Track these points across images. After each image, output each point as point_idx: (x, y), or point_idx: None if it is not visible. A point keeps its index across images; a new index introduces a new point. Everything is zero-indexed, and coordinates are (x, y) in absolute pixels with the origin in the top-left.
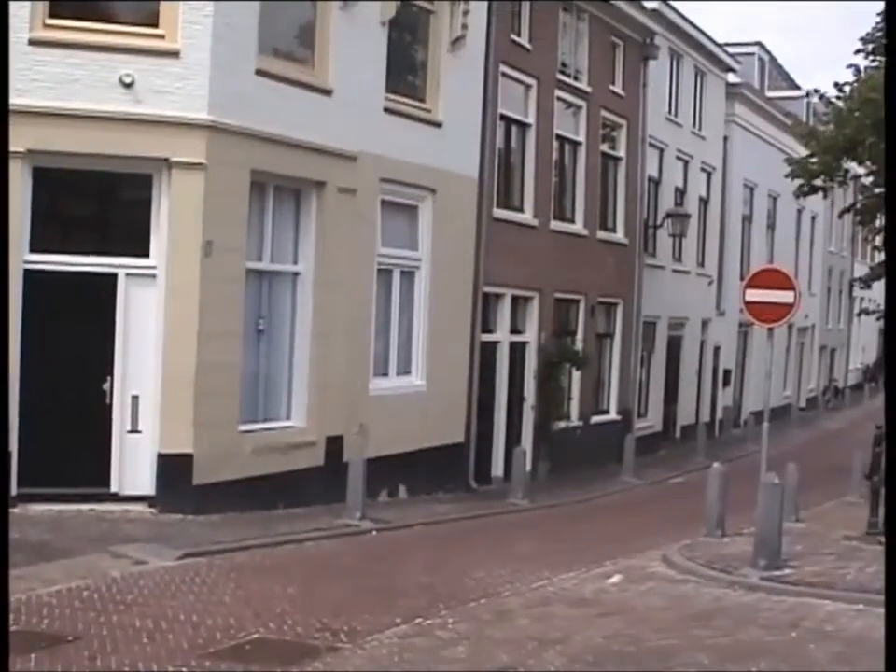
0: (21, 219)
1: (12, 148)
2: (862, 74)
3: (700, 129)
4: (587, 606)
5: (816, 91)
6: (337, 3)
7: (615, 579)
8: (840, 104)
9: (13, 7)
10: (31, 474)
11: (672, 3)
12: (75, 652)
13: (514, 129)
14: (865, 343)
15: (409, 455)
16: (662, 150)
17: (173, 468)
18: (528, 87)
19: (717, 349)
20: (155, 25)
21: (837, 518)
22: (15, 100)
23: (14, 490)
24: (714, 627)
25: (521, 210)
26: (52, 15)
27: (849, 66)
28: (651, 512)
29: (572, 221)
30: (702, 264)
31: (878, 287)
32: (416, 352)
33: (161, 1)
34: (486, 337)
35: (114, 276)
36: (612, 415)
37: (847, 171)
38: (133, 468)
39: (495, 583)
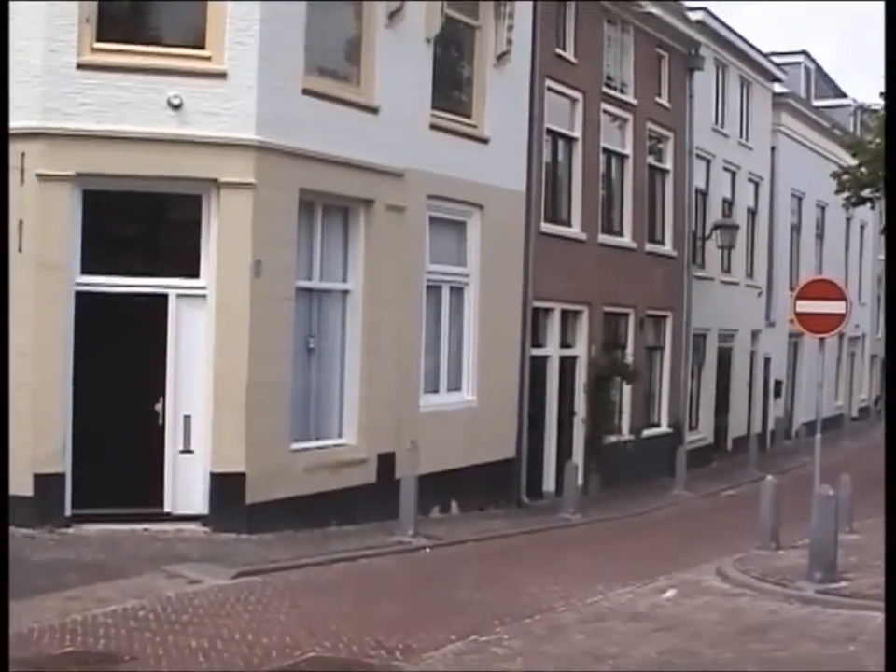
0: (72, 242)
1: (62, 172)
2: None
3: (747, 139)
4: (642, 620)
5: (861, 106)
6: (382, 20)
7: (670, 593)
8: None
9: (61, 31)
10: (85, 495)
11: (716, 13)
12: None
13: (561, 143)
14: None
15: (460, 471)
16: (709, 161)
17: (225, 487)
18: (574, 101)
19: (767, 360)
20: (202, 47)
21: None
22: (64, 124)
23: (69, 511)
24: (770, 641)
25: (569, 224)
26: (100, 39)
27: None
28: (704, 525)
29: (620, 234)
30: (751, 275)
31: None
32: (466, 368)
33: (207, 21)
34: (536, 352)
35: (164, 297)
36: (664, 428)
37: None
38: (186, 487)
39: (549, 599)
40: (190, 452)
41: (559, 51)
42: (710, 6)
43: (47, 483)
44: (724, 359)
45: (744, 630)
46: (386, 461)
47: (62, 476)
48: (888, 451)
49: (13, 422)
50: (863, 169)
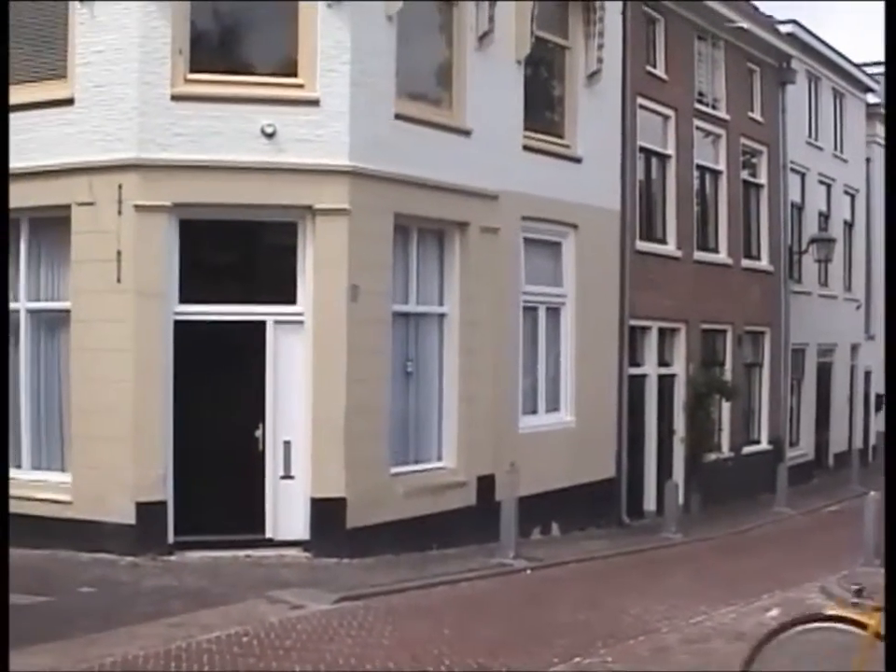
0: (170, 271)
1: (158, 202)
2: None
3: (841, 151)
4: (747, 641)
5: None
6: (472, 43)
7: (774, 612)
8: None
9: (154, 63)
10: (187, 522)
11: (807, 25)
12: None
13: (654, 160)
14: None
15: (560, 491)
16: (803, 175)
17: (326, 512)
18: (666, 118)
19: (868, 374)
20: (294, 75)
21: None
22: (159, 154)
23: (171, 538)
24: (878, 660)
25: (664, 242)
26: (193, 70)
27: None
28: (807, 543)
29: (716, 251)
30: (849, 288)
31: None
32: (564, 388)
33: (298, 49)
34: (634, 370)
35: (262, 324)
36: (764, 445)
37: None
38: (287, 513)
39: (652, 619)
40: (291, 477)
41: (650, 69)
42: (801, 17)
43: (149, 510)
44: (824, 374)
45: (850, 648)
46: (486, 483)
47: (163, 504)
48: (887, 451)
49: (114, 450)
50: None
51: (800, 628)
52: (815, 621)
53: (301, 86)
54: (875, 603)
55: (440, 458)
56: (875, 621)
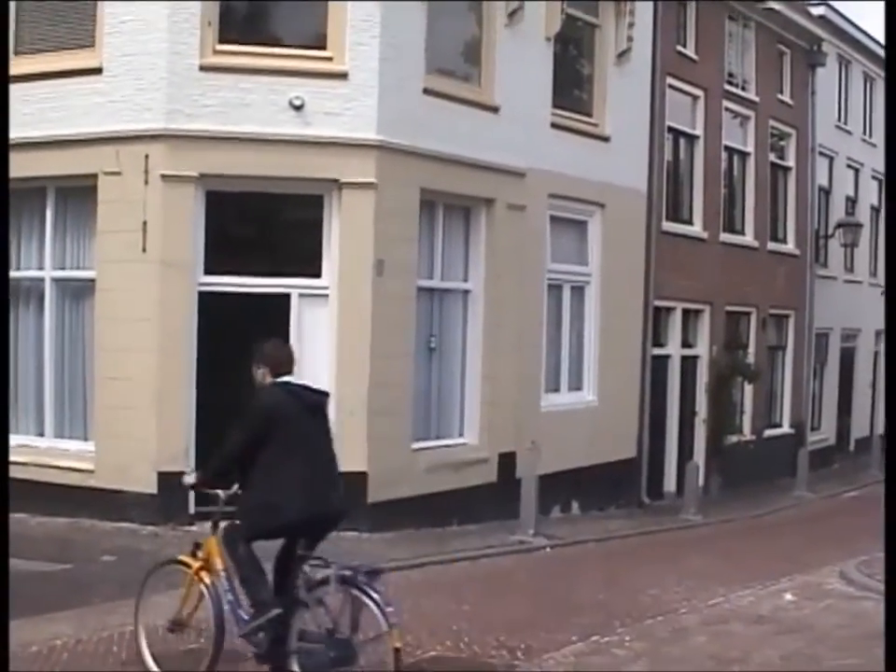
0: (195, 242)
1: (185, 173)
2: None
3: (870, 136)
4: (765, 623)
5: None
6: (502, 20)
7: (792, 596)
8: None
9: (183, 34)
10: (208, 493)
11: (839, 7)
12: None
13: (682, 141)
14: None
15: (581, 470)
16: (832, 159)
17: (347, 486)
18: (696, 98)
19: None
20: (323, 48)
21: None
22: (187, 125)
23: (192, 508)
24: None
25: (690, 223)
26: (222, 41)
27: None
28: (827, 527)
29: (742, 233)
30: (874, 274)
31: None
32: (587, 367)
33: (328, 22)
34: (657, 351)
35: (287, 297)
36: (785, 429)
37: None
38: None
39: (670, 600)
40: None
41: (680, 48)
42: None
43: (171, 480)
44: (847, 359)
45: (870, 635)
46: (507, 460)
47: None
48: (888, 451)
49: (137, 419)
50: None
51: (159, 571)
52: (168, 564)
53: (329, 59)
54: (202, 554)
55: (461, 434)
56: (198, 564)
